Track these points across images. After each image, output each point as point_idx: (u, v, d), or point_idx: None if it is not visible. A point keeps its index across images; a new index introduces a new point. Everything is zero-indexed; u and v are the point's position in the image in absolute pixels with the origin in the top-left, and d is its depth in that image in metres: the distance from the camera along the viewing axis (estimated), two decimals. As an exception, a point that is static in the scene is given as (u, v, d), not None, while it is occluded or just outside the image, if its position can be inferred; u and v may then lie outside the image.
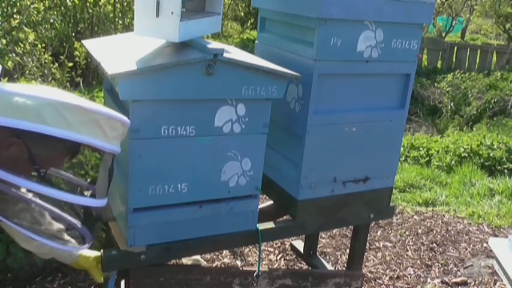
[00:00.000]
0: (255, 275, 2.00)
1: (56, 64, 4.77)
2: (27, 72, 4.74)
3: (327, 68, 1.83)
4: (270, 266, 2.92)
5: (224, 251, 2.98)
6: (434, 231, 3.62)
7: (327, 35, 1.79)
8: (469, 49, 12.41)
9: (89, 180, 2.55)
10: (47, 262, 2.52)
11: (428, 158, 5.68)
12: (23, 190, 1.46)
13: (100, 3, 7.82)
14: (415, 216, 3.87)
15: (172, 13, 1.60)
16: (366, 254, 2.88)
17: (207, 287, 1.92)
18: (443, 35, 14.77)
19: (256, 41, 2.22)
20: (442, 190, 4.57)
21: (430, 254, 3.28)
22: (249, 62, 1.66)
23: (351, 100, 1.96)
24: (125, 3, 7.82)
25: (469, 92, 9.58)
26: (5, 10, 5.18)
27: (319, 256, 2.82)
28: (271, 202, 2.27)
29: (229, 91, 1.65)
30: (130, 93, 1.50)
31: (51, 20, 6.01)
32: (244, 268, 2.44)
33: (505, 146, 5.68)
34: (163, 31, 1.64)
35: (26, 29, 5.08)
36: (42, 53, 4.99)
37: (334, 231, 3.42)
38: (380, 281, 2.92)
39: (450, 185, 4.75)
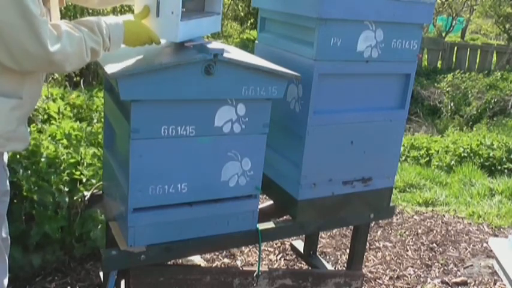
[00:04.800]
0: (255, 275, 2.00)
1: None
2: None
3: (327, 68, 1.83)
4: (270, 266, 2.92)
5: (224, 251, 2.98)
6: (434, 231, 3.62)
7: (327, 35, 1.79)
8: (469, 49, 12.40)
9: (84, 179, 2.56)
10: (47, 262, 2.53)
11: (428, 158, 5.69)
12: None
13: (100, 3, 7.81)
14: (415, 216, 3.87)
15: (172, 13, 1.61)
16: (366, 254, 2.88)
17: (207, 287, 1.92)
18: (443, 35, 14.77)
19: (256, 41, 2.22)
20: (442, 190, 4.57)
21: (430, 254, 3.28)
22: (249, 62, 1.66)
23: (351, 100, 1.96)
24: (125, 3, 7.82)
25: (469, 92, 9.58)
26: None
27: (319, 256, 2.82)
28: (271, 202, 2.27)
29: (229, 91, 1.65)
30: (131, 93, 1.50)
31: None
32: (244, 268, 2.44)
33: (505, 146, 5.69)
34: (163, 31, 1.65)
35: None
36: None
37: (334, 231, 3.42)
38: (380, 281, 2.92)
39: (450, 185, 4.76)
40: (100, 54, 1.56)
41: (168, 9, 1.61)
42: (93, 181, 2.49)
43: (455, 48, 12.49)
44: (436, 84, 10.18)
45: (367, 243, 2.98)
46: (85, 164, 2.60)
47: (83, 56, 1.49)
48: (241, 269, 2.48)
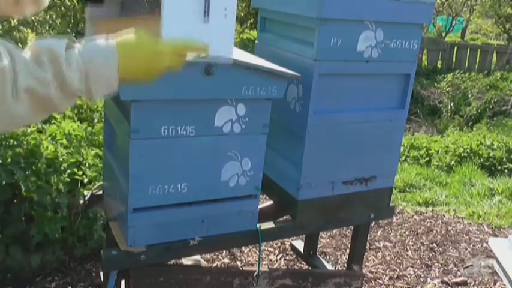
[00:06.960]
0: (255, 275, 2.00)
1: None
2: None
3: (327, 68, 1.83)
4: (270, 266, 2.92)
5: (224, 251, 2.98)
6: (434, 231, 3.62)
7: (327, 35, 1.79)
8: (469, 49, 12.42)
9: (86, 180, 2.56)
10: (47, 262, 2.53)
11: (428, 158, 5.69)
12: None
13: (100, 3, 7.77)
14: (415, 216, 3.87)
15: (225, 10, 1.21)
16: (366, 254, 2.88)
17: (207, 287, 1.92)
18: (443, 35, 14.77)
19: (256, 41, 2.22)
20: (442, 190, 4.57)
21: (430, 254, 3.28)
22: (249, 62, 1.66)
23: (351, 100, 1.95)
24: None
25: (469, 92, 9.60)
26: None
27: (319, 256, 2.82)
28: (271, 202, 2.27)
29: (229, 91, 1.65)
30: (131, 93, 1.50)
31: (50, 22, 6.00)
32: (244, 268, 2.45)
33: (505, 146, 5.69)
34: (213, 42, 1.21)
35: (24, 29, 5.07)
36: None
37: (334, 231, 3.42)
38: (380, 281, 2.92)
39: (450, 185, 4.76)
40: (55, 101, 0.93)
41: (221, 8, 1.18)
42: (96, 183, 2.49)
43: (455, 48, 12.51)
44: (436, 84, 10.19)
45: (367, 243, 2.98)
46: (87, 165, 2.60)
47: (3, 96, 0.87)
48: (241, 269, 2.49)
